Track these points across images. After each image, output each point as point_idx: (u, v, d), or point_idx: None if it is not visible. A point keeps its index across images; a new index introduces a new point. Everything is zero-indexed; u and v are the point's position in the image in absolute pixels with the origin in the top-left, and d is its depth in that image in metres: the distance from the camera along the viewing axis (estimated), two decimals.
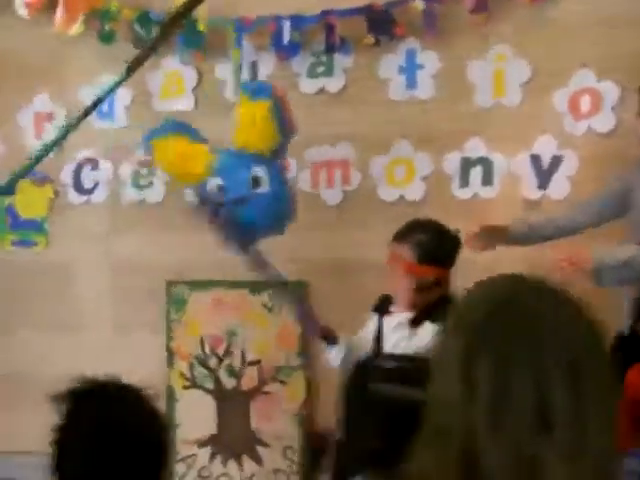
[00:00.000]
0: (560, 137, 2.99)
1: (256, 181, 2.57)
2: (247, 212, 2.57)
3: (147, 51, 2.66)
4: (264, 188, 2.58)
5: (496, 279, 1.07)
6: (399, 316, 2.39)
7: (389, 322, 2.42)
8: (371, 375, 1.40)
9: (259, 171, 2.58)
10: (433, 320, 2.35)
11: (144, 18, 3.19)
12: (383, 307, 2.51)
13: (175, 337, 3.33)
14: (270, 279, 2.61)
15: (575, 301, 1.03)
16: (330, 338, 2.56)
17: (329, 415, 3.23)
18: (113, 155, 3.39)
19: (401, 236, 2.45)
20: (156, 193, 3.35)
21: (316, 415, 3.24)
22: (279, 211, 2.62)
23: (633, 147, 2.86)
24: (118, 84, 2.59)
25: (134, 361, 3.36)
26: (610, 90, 2.92)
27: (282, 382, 3.23)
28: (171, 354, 3.33)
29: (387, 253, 2.51)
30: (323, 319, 3.21)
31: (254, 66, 3.20)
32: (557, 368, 0.96)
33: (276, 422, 3.22)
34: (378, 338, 2.46)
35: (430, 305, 2.39)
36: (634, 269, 2.33)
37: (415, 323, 2.37)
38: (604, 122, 2.94)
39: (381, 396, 1.37)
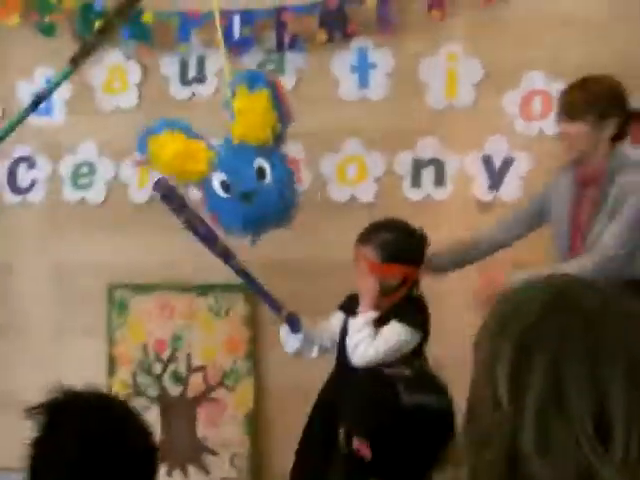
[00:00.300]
0: (512, 138, 2.99)
1: (261, 172, 2.50)
2: (256, 206, 2.49)
3: (95, 41, 2.55)
4: (269, 179, 2.51)
5: (543, 279, 1.02)
6: (364, 316, 2.34)
7: (354, 323, 2.36)
8: (383, 384, 1.36)
9: (263, 162, 2.51)
10: (400, 319, 2.31)
11: (87, 9, 3.07)
12: (350, 306, 2.45)
13: (117, 343, 3.21)
14: (236, 271, 2.52)
15: (631, 299, 0.97)
16: (293, 324, 2.50)
17: (277, 420, 3.17)
18: (51, 152, 3.25)
19: (365, 237, 2.41)
20: (97, 192, 3.22)
21: (265, 420, 3.17)
22: (286, 202, 2.56)
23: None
24: (66, 77, 2.48)
25: (73, 368, 3.22)
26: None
27: (229, 388, 3.14)
28: (112, 361, 3.21)
29: (352, 254, 2.46)
30: (274, 322, 3.16)
31: (201, 62, 3.12)
32: (616, 370, 0.90)
33: (223, 429, 3.13)
34: (343, 338, 2.41)
35: (396, 305, 2.35)
36: None
37: (380, 322, 2.32)
38: (554, 124, 2.96)
39: (414, 406, 1.32)
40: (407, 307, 2.35)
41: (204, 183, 2.52)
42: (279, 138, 2.53)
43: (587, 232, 2.43)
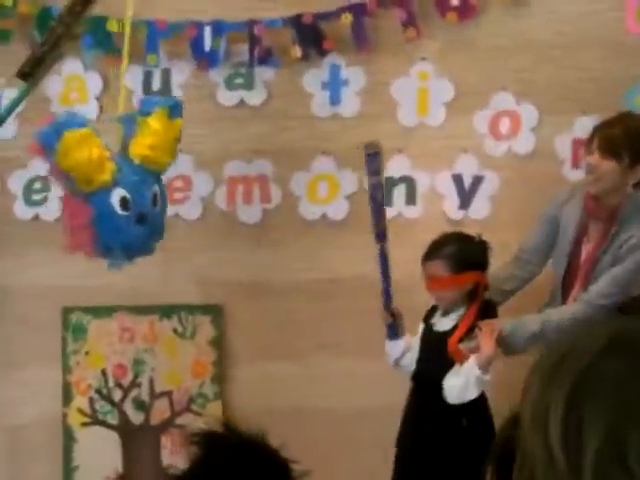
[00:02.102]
0: (481, 157, 3.05)
1: (155, 199, 2.54)
2: (146, 230, 2.51)
3: (43, 52, 2.43)
4: (158, 206, 2.55)
5: (599, 323, 0.95)
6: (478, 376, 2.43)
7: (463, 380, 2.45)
8: None
9: (157, 189, 2.55)
10: None
11: (45, 15, 2.92)
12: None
13: (73, 370, 3.07)
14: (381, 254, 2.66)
15: None
16: (393, 328, 2.62)
17: None
18: (0, 167, 3.07)
19: (429, 254, 2.57)
20: (52, 209, 3.07)
21: None
22: (162, 230, 2.62)
23: (554, 169, 3.00)
24: (24, 95, 2.36)
25: (26, 397, 3.07)
26: (529, 113, 3.02)
27: (196, 413, 3.04)
28: (68, 389, 3.06)
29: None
30: (241, 344, 3.09)
31: (166, 74, 3.02)
32: None
33: None
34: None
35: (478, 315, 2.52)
36: (544, 337, 2.49)
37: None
38: (523, 144, 3.04)
39: None
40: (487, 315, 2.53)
41: (96, 196, 2.42)
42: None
43: (588, 267, 2.50)
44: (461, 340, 2.46)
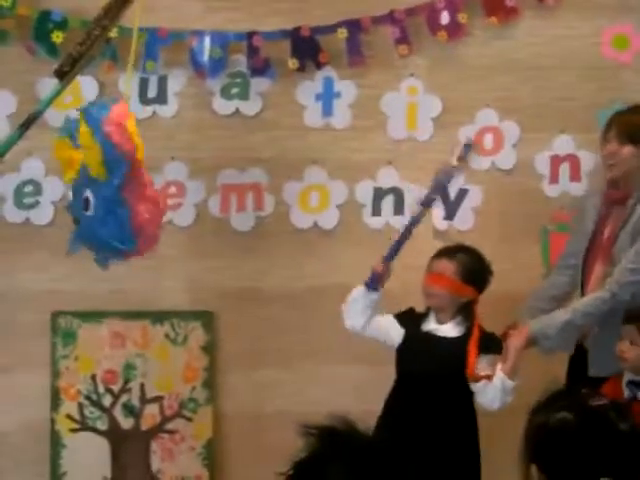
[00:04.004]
0: (466, 171, 3.15)
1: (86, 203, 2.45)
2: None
3: (79, 53, 2.41)
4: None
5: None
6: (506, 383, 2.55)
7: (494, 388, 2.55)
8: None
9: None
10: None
11: (44, 18, 2.89)
12: (411, 319, 2.68)
13: (62, 375, 3.03)
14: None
15: None
16: (376, 279, 2.66)
17: (237, 450, 3.09)
18: None
19: (446, 252, 2.65)
20: (43, 213, 3.02)
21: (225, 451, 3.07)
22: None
23: (533, 184, 3.13)
24: (59, 93, 2.35)
25: (13, 403, 3.01)
26: (511, 130, 3.14)
27: (187, 418, 3.03)
28: (57, 394, 3.00)
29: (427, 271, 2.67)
30: (232, 350, 3.09)
31: (162, 82, 3.02)
32: None
33: (181, 462, 3.01)
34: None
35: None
36: (576, 325, 2.58)
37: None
38: (505, 159, 3.15)
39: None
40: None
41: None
42: None
43: (609, 245, 2.62)
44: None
